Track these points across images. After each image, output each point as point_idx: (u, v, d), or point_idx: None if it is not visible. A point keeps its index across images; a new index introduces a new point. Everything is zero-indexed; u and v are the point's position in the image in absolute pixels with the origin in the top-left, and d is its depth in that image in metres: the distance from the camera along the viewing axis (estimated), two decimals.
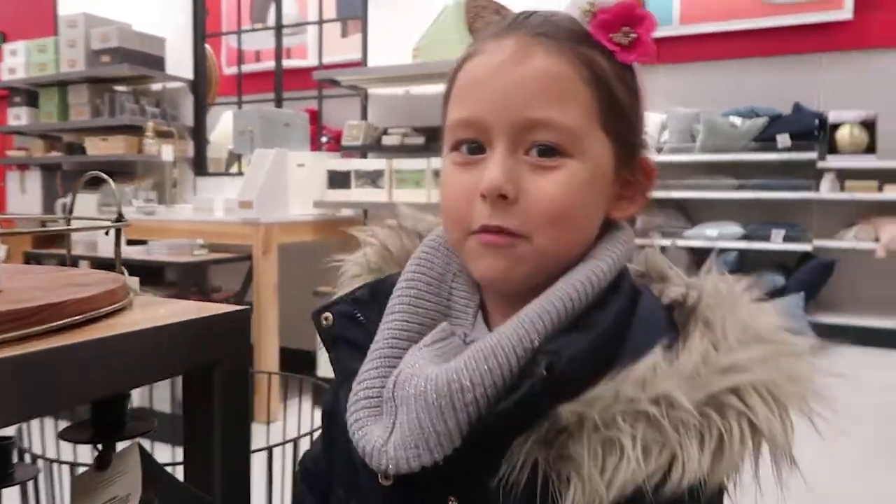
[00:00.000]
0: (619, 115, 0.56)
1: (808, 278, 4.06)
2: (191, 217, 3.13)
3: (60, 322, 0.50)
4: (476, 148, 0.55)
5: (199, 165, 3.90)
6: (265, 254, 2.71)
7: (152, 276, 3.09)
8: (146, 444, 0.67)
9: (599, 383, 0.48)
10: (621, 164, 0.57)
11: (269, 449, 1.32)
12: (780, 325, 0.52)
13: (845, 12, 4.23)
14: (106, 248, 2.87)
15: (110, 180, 0.65)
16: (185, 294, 2.61)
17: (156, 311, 0.60)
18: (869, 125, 4.06)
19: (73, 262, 0.70)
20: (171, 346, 0.56)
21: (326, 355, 0.64)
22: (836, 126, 4.11)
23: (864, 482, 2.20)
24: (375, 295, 0.62)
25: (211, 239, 2.85)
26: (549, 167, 0.53)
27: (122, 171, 4.09)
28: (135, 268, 2.77)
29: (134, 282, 0.63)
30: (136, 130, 3.93)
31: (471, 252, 0.56)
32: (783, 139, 4.11)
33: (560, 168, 0.53)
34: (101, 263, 2.74)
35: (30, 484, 1.37)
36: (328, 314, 0.62)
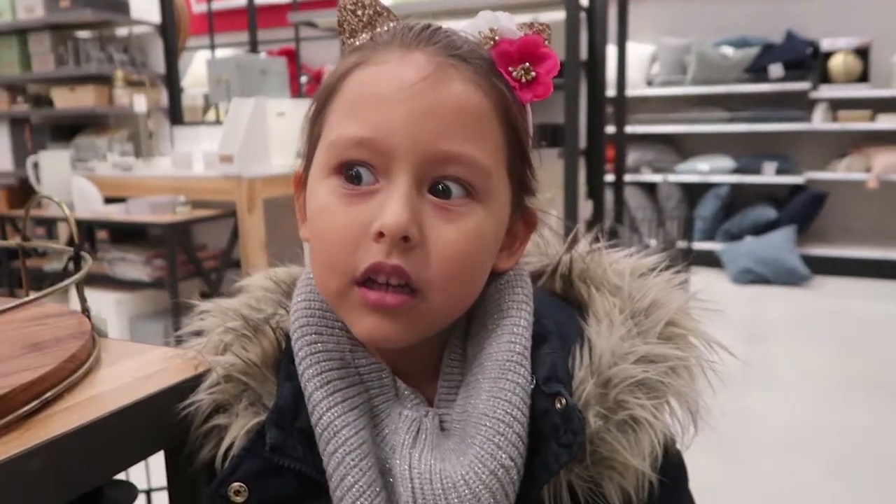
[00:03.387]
0: (522, 158, 0.52)
1: (799, 211, 4.05)
2: (170, 172, 3.01)
3: (6, 419, 0.44)
4: (359, 175, 0.47)
5: (175, 115, 3.74)
6: (250, 210, 2.63)
7: (134, 236, 3.00)
8: None
9: (575, 383, 0.49)
10: (514, 210, 0.53)
11: None
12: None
13: None
14: (81, 205, 2.77)
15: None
16: (171, 255, 2.54)
17: (124, 369, 0.53)
18: (862, 52, 3.96)
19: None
20: (145, 425, 0.50)
21: None
22: (828, 54, 4.01)
23: (843, 415, 2.24)
24: (283, 414, 0.49)
25: (192, 195, 2.75)
26: (456, 211, 0.47)
27: (92, 123, 3.92)
28: (116, 230, 2.65)
29: (101, 322, 0.56)
30: (104, 80, 3.74)
31: (352, 308, 0.48)
32: (776, 69, 4.01)
33: (467, 215, 0.48)
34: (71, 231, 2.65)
35: None
36: (237, 486, 0.48)
